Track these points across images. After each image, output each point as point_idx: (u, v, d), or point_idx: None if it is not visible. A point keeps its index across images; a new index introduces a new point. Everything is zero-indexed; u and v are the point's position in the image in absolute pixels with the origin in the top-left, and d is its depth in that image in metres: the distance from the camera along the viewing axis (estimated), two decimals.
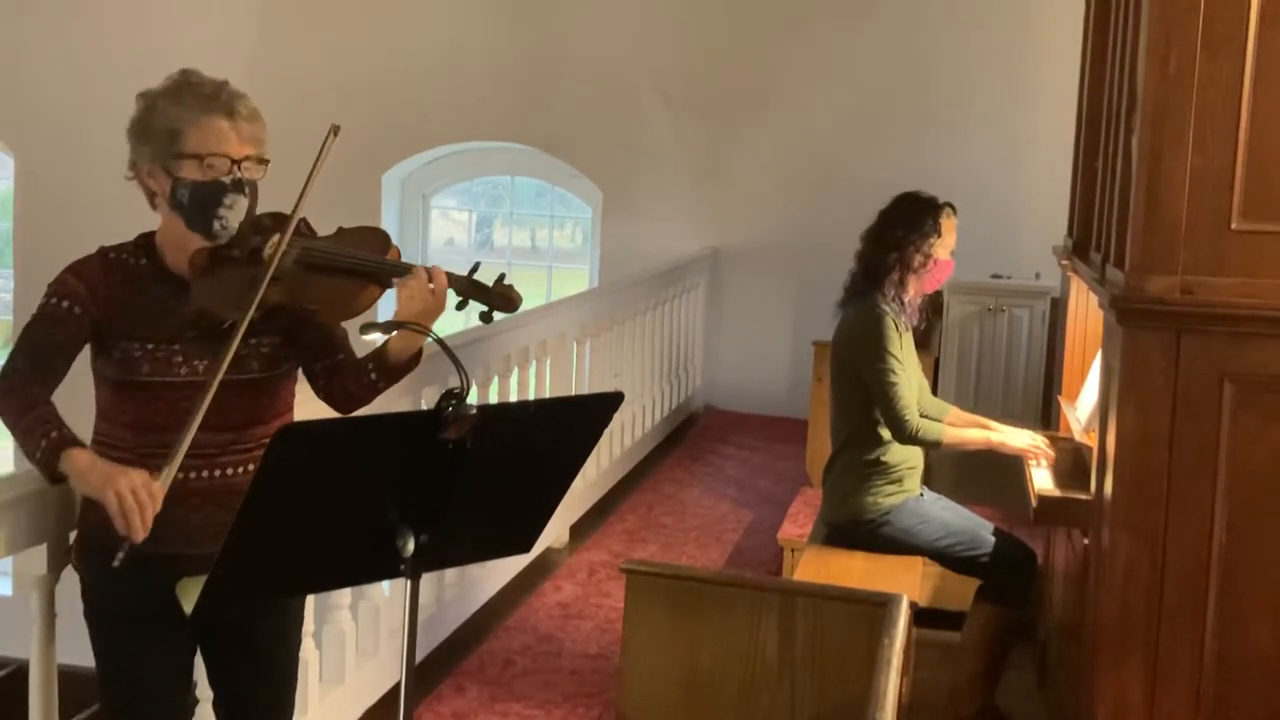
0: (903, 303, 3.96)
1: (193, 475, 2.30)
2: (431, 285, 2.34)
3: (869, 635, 2.46)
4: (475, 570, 4.49)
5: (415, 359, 2.47)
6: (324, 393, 2.55)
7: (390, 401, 2.85)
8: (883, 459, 3.94)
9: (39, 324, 2.35)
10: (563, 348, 5.56)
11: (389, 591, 3.86)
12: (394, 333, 2.43)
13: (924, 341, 5.67)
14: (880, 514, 3.93)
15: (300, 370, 2.56)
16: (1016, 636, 3.97)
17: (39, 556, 2.56)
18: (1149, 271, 2.64)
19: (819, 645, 2.57)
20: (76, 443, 2.26)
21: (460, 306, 2.39)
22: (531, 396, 5.35)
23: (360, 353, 2.56)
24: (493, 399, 4.76)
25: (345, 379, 2.51)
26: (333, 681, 3.56)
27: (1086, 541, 3.18)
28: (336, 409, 2.55)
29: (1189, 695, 2.68)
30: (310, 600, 2.88)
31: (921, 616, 3.75)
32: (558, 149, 8.61)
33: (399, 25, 8.64)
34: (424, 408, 2.87)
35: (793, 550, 4.77)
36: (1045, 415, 6.11)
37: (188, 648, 2.52)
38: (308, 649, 3.18)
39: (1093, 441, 3.28)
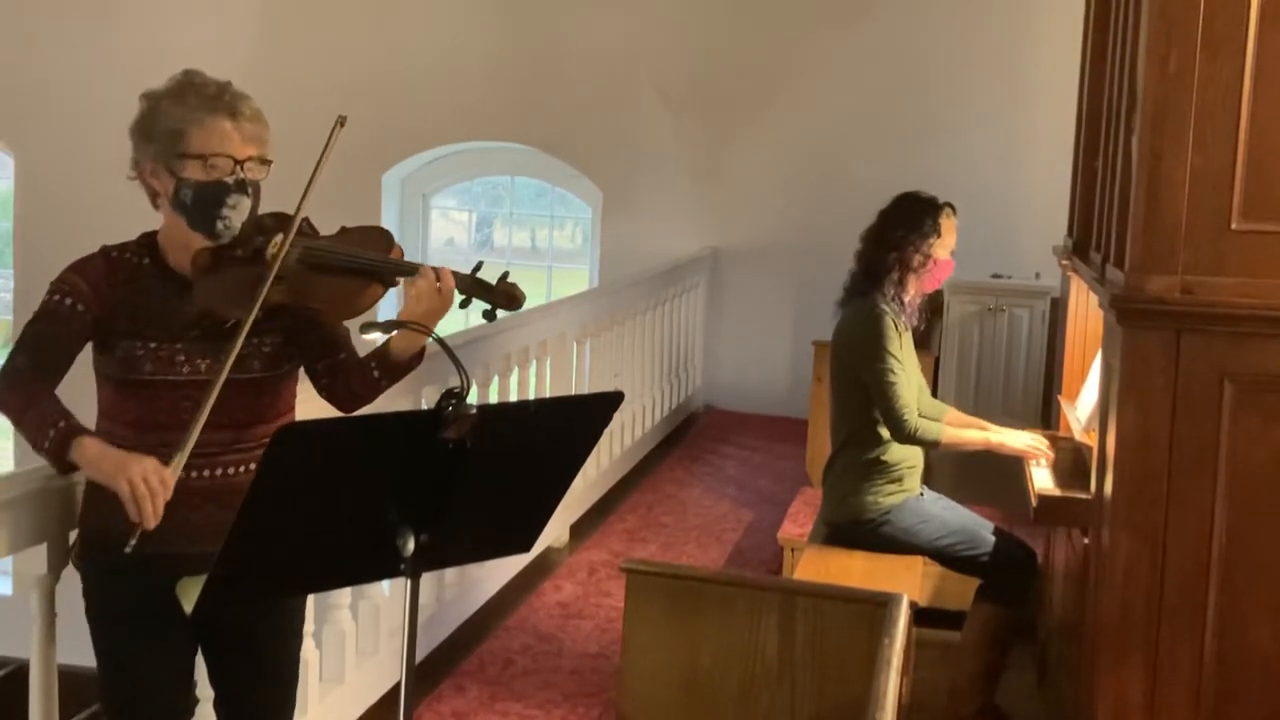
0: (902, 303, 3.96)
1: (194, 474, 2.30)
2: (439, 285, 2.35)
3: (869, 635, 2.46)
4: (475, 570, 4.49)
5: (418, 357, 2.47)
6: (326, 392, 2.55)
7: (390, 401, 2.85)
8: (883, 458, 3.94)
9: (41, 321, 2.36)
10: (563, 348, 5.56)
11: (389, 591, 3.86)
12: (394, 332, 2.43)
13: (924, 341, 5.67)
14: (880, 513, 3.94)
15: (302, 369, 2.56)
16: (1016, 636, 3.97)
17: (39, 556, 2.56)
18: (1149, 271, 2.64)
19: (819, 645, 2.57)
20: (85, 431, 2.28)
21: (464, 305, 2.39)
22: (531, 396, 5.35)
23: (360, 352, 2.56)
24: (493, 399, 4.76)
25: (348, 378, 2.51)
26: (333, 681, 3.56)
27: (1086, 541, 3.18)
28: (339, 408, 2.55)
29: (1189, 695, 2.68)
30: (310, 600, 2.88)
31: (921, 616, 3.75)
32: (557, 149, 8.61)
33: (399, 25, 8.65)
34: (424, 407, 2.87)
35: (793, 550, 4.77)
36: (1045, 415, 6.11)
37: (188, 647, 2.52)
38: (308, 649, 3.18)
39: (1093, 441, 3.28)
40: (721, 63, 8.26)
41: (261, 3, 8.81)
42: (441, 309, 2.37)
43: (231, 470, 2.41)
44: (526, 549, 2.16)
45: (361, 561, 1.98)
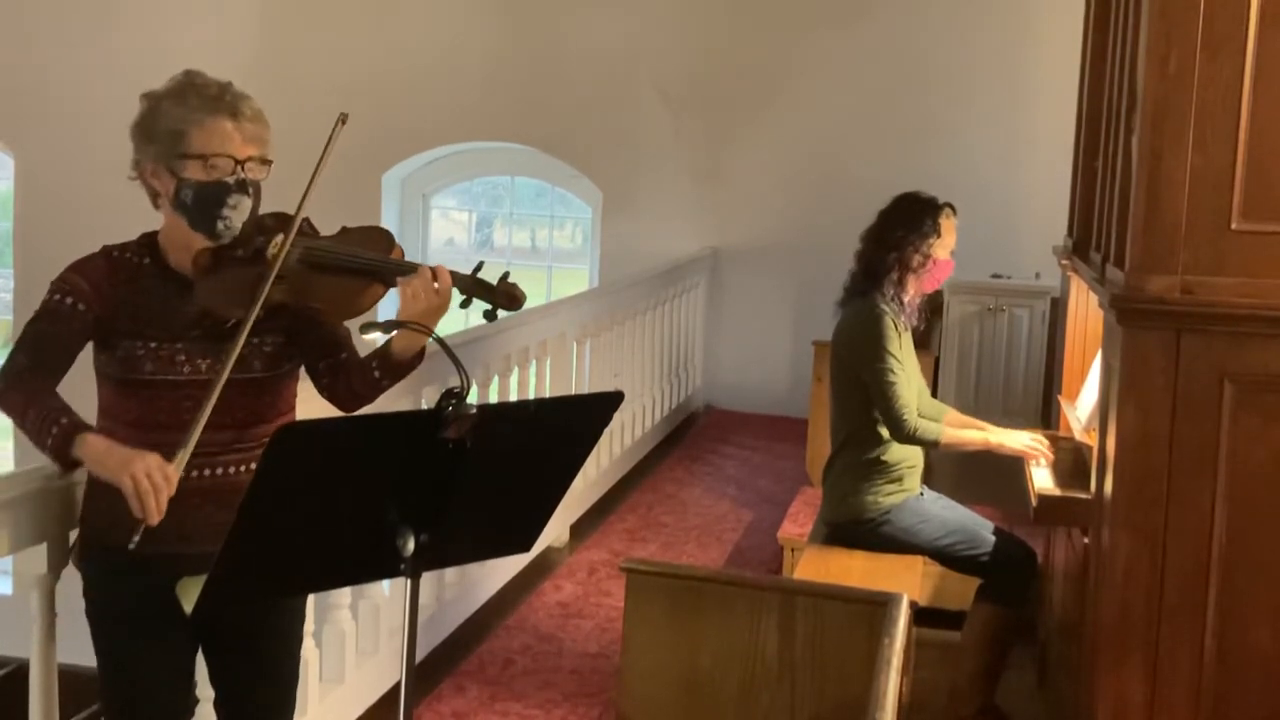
0: (902, 302, 3.96)
1: (194, 474, 2.30)
2: (435, 284, 2.35)
3: (869, 635, 2.46)
4: (475, 569, 4.49)
5: (419, 357, 2.47)
6: (327, 391, 2.55)
7: (390, 401, 2.85)
8: (883, 458, 3.94)
9: (42, 320, 2.36)
10: (563, 348, 5.56)
11: (389, 591, 3.86)
12: (394, 331, 2.43)
13: (924, 341, 5.68)
14: (880, 513, 3.94)
15: (302, 369, 2.56)
16: (1016, 636, 3.97)
17: (39, 556, 2.56)
18: (1149, 271, 2.64)
19: (819, 645, 2.57)
20: (88, 428, 2.28)
21: (464, 305, 2.40)
22: (531, 396, 5.35)
23: (360, 352, 2.56)
24: (493, 399, 4.76)
25: (349, 377, 2.51)
26: (333, 681, 3.56)
27: (1086, 541, 3.18)
28: (340, 407, 2.55)
29: (1189, 695, 2.68)
30: (310, 600, 2.88)
31: (921, 616, 3.75)
32: (557, 149, 8.61)
33: (399, 25, 8.65)
34: (424, 407, 2.87)
35: (793, 549, 4.78)
36: (1045, 415, 6.11)
37: (188, 647, 2.52)
38: (308, 648, 3.19)
39: (1093, 441, 3.28)
40: (721, 63, 8.26)
41: (261, 3, 8.81)
42: (440, 308, 2.37)
43: (232, 470, 2.41)
44: (526, 549, 2.16)
45: (361, 561, 1.98)
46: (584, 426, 2.09)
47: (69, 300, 2.36)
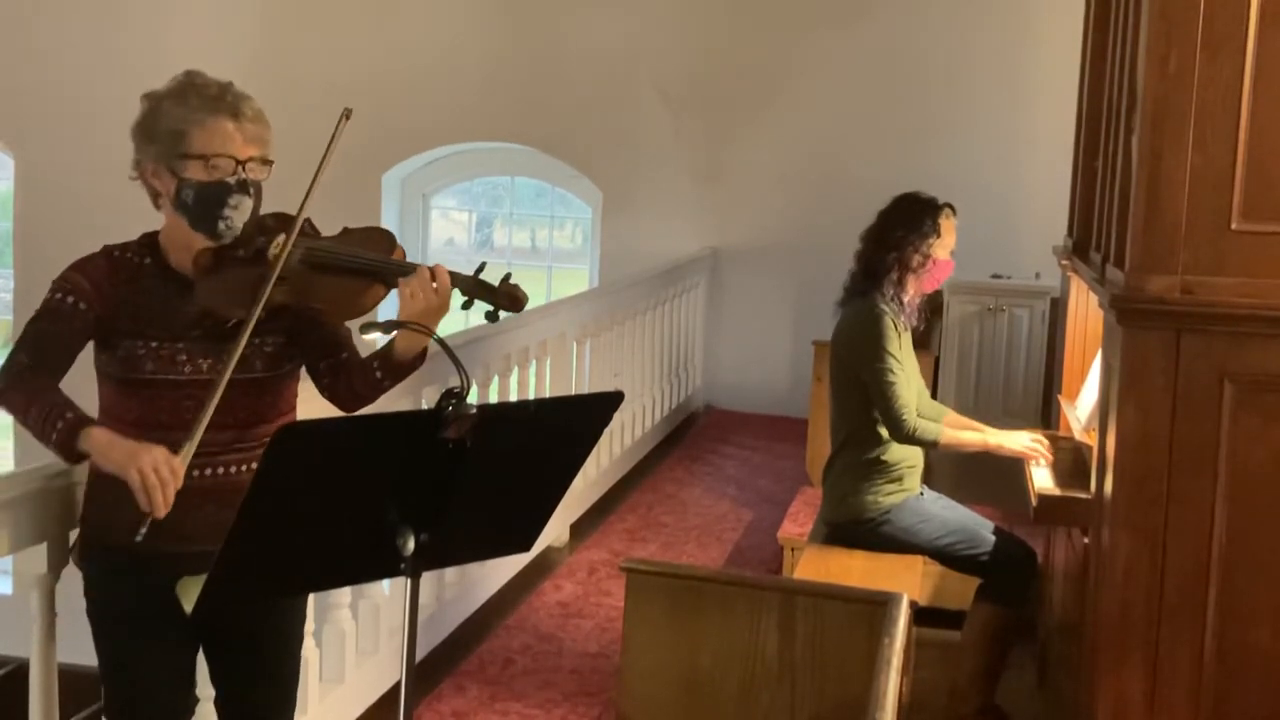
0: (902, 303, 3.96)
1: (195, 473, 2.30)
2: (434, 284, 2.35)
3: (869, 634, 2.46)
4: (475, 569, 4.49)
5: (420, 357, 2.48)
6: (329, 391, 2.56)
7: (390, 401, 2.85)
8: (882, 458, 3.94)
9: (43, 319, 2.36)
10: (563, 348, 5.56)
11: (389, 590, 3.86)
12: (394, 332, 2.43)
13: (924, 341, 5.68)
14: (880, 513, 3.94)
15: (304, 369, 2.56)
16: (1016, 635, 3.97)
17: (39, 555, 2.56)
18: (1149, 271, 2.64)
19: (819, 645, 2.57)
20: (92, 422, 2.28)
21: (466, 306, 2.40)
22: (531, 396, 5.35)
23: (359, 352, 2.57)
24: (493, 399, 4.76)
25: (350, 378, 2.52)
26: (333, 681, 3.56)
27: (1086, 541, 3.18)
28: (341, 408, 2.55)
29: (1189, 695, 2.68)
30: (310, 599, 2.88)
31: (921, 615, 3.75)
32: (557, 149, 8.61)
33: (399, 25, 8.65)
34: (424, 407, 2.87)
35: (793, 549, 4.78)
36: (1045, 415, 6.11)
37: (189, 646, 2.52)
38: (308, 648, 3.19)
39: (1093, 441, 3.28)
40: (721, 63, 8.26)
41: (261, 3, 8.81)
42: (440, 308, 2.37)
43: (233, 469, 2.41)
44: (526, 549, 2.16)
45: (361, 561, 1.98)
46: (584, 426, 2.09)
47: (70, 299, 2.36)
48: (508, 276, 2.41)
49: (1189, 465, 2.63)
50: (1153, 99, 2.62)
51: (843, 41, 8.03)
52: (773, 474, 6.68)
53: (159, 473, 2.19)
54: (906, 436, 3.87)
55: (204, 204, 2.36)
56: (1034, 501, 3.44)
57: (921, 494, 4.02)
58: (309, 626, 3.00)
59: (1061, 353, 4.71)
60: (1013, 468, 4.00)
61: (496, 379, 4.85)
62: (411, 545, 1.89)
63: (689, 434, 7.57)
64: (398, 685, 2.05)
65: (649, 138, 8.45)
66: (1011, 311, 6.50)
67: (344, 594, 3.60)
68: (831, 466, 4.08)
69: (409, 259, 2.45)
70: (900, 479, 3.96)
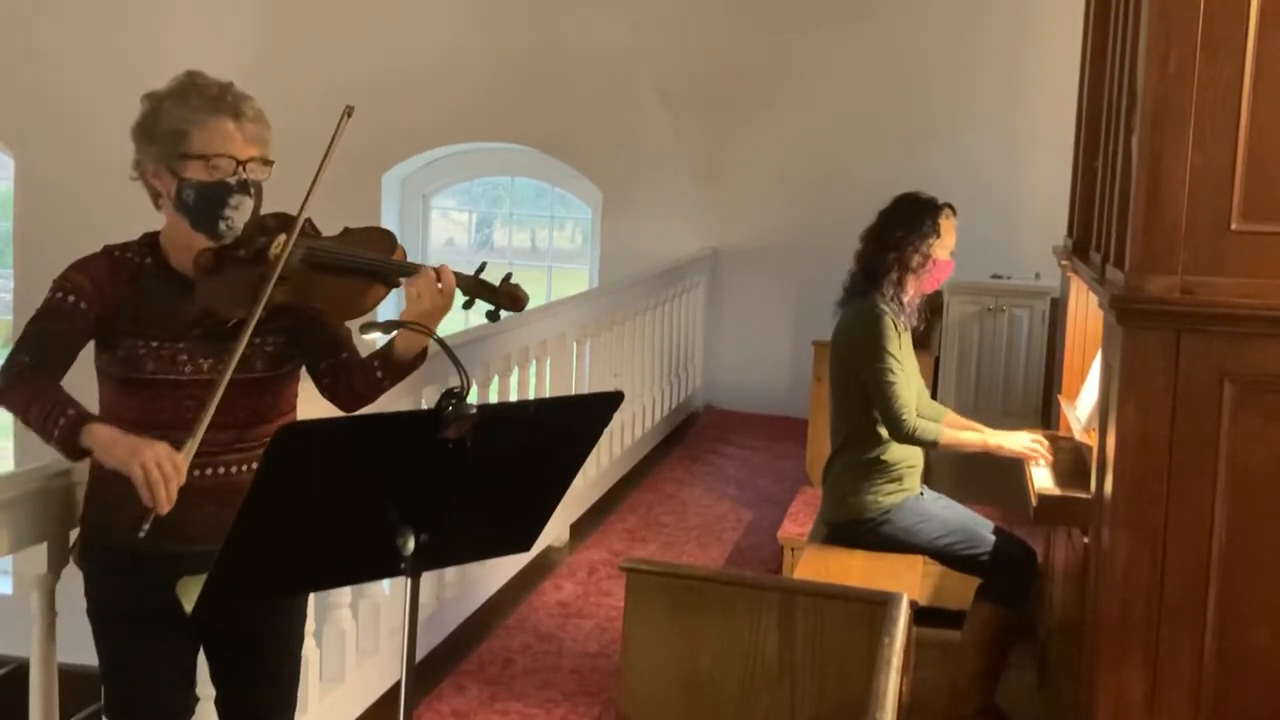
0: (901, 303, 3.96)
1: (195, 473, 2.30)
2: (440, 285, 2.35)
3: (869, 634, 2.46)
4: (475, 569, 4.49)
5: (421, 357, 2.48)
6: (329, 391, 2.56)
7: (390, 401, 2.86)
8: (882, 458, 3.94)
9: (44, 319, 2.36)
10: (563, 348, 5.56)
11: (389, 590, 3.86)
12: (394, 332, 2.43)
13: (924, 341, 5.67)
14: (880, 513, 3.94)
15: (304, 369, 2.56)
16: (1016, 635, 3.97)
17: (39, 555, 2.57)
18: (1149, 271, 2.64)
19: (819, 644, 2.57)
20: (95, 418, 2.28)
21: (467, 305, 2.40)
22: (531, 396, 5.35)
23: (359, 353, 2.57)
24: (493, 399, 4.76)
25: (351, 377, 2.52)
26: (333, 680, 3.56)
27: (1086, 541, 3.18)
28: (341, 407, 2.55)
29: (1189, 695, 2.68)
30: (310, 599, 2.88)
31: (921, 615, 3.75)
32: (557, 149, 8.61)
33: (399, 25, 8.65)
34: (424, 407, 2.87)
35: (793, 549, 4.78)
36: (1045, 415, 6.11)
37: (189, 646, 2.52)
38: (308, 648, 3.18)
39: (1093, 441, 3.28)
40: (721, 63, 8.26)
41: (261, 3, 8.81)
42: (443, 308, 2.38)
43: (234, 469, 2.41)
44: (526, 548, 2.16)
45: (362, 561, 1.98)
46: (584, 426, 2.10)
47: (71, 298, 2.36)
48: (508, 276, 2.41)
49: (1189, 465, 2.64)
50: (1153, 99, 2.62)
51: (843, 41, 8.03)
52: (773, 474, 6.68)
53: (162, 468, 2.19)
54: (906, 436, 3.87)
55: (205, 204, 2.36)
56: (1034, 501, 3.44)
57: (921, 494, 4.02)
58: (309, 626, 3.00)
59: (1061, 353, 4.71)
60: (1013, 468, 4.00)
61: (496, 379, 4.85)
62: (411, 545, 1.89)
63: (689, 434, 7.57)
64: (398, 685, 2.05)
65: (649, 138, 8.45)
66: (1011, 311, 6.50)
67: (344, 594, 3.60)
68: (831, 466, 4.08)
69: (409, 259, 2.45)
70: (900, 479, 3.96)
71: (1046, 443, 3.89)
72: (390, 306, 5.79)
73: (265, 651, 2.57)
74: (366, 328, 2.40)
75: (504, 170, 9.27)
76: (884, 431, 3.91)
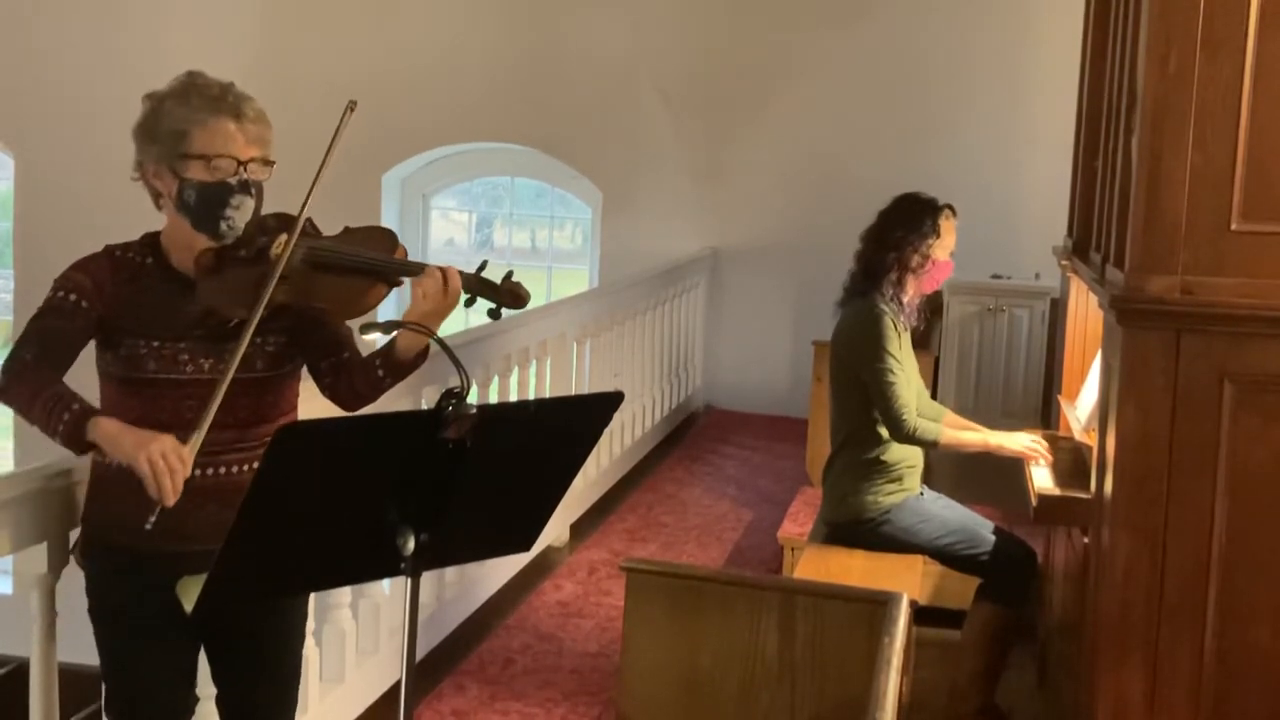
0: (901, 303, 3.96)
1: (196, 473, 2.30)
2: (445, 285, 2.36)
3: (869, 634, 2.46)
4: (475, 569, 4.49)
5: (422, 356, 2.48)
6: (330, 390, 2.56)
7: (390, 401, 2.86)
8: (882, 458, 3.94)
9: (46, 317, 2.37)
10: (563, 348, 5.56)
11: (389, 590, 3.86)
12: (394, 332, 2.43)
13: (924, 341, 5.68)
14: (880, 513, 3.94)
15: (305, 369, 2.57)
16: (1016, 635, 3.97)
17: (39, 555, 2.57)
18: (1149, 271, 2.64)
19: (819, 644, 2.57)
20: (99, 412, 2.28)
21: (469, 304, 2.40)
22: (531, 396, 5.35)
23: (358, 352, 2.57)
24: (493, 399, 4.76)
25: (352, 377, 2.52)
26: (333, 680, 3.56)
27: (1086, 541, 3.19)
28: (343, 407, 2.56)
29: (1189, 695, 2.68)
30: (311, 599, 2.88)
31: (922, 615, 3.75)
32: (557, 149, 8.61)
33: (399, 25, 8.65)
34: (424, 407, 2.87)
35: (793, 549, 4.78)
36: (1045, 415, 6.11)
37: (190, 645, 2.52)
38: (308, 647, 3.19)
39: (1093, 441, 3.28)
40: (721, 63, 8.26)
41: (262, 3, 8.81)
42: (448, 308, 2.38)
43: (234, 469, 2.41)
44: (526, 548, 2.16)
45: (362, 561, 1.98)
46: (584, 426, 2.10)
47: (72, 297, 2.36)
48: (510, 274, 2.41)
49: (1189, 465, 2.64)
50: (1153, 99, 2.62)
51: (843, 41, 8.03)
52: (773, 474, 6.69)
53: (168, 460, 2.19)
54: (907, 436, 3.87)
55: (206, 204, 2.37)
56: (1034, 501, 3.44)
57: (921, 494, 4.02)
58: (309, 626, 3.01)
59: (1061, 353, 4.71)
60: (1013, 468, 4.00)
61: (496, 379, 4.85)
62: (411, 545, 1.89)
63: (689, 434, 7.57)
64: (398, 685, 2.05)
65: (649, 138, 8.45)
66: (1011, 312, 6.50)
67: (344, 594, 3.60)
68: (831, 466, 4.08)
69: (410, 259, 2.45)
70: (900, 479, 3.96)
71: (1045, 444, 3.89)
72: (391, 306, 5.79)
73: (266, 651, 2.57)
74: (366, 328, 2.40)
75: (504, 170, 9.27)
76: (884, 431, 3.91)
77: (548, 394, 5.43)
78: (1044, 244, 5.64)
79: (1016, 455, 3.88)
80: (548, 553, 5.27)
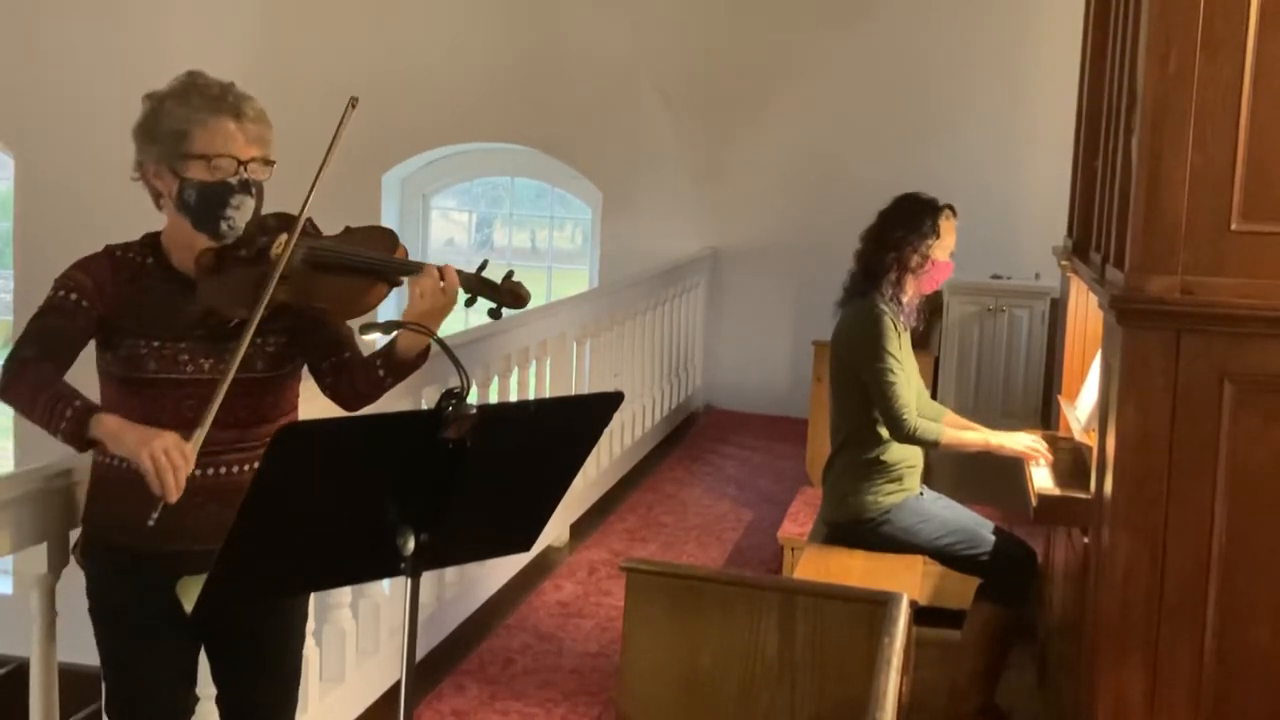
0: (900, 303, 3.96)
1: (197, 473, 2.30)
2: (442, 284, 2.35)
3: (869, 634, 2.46)
4: (475, 569, 4.49)
5: (423, 356, 2.48)
6: (331, 390, 2.56)
7: (390, 401, 2.86)
8: (882, 458, 3.94)
9: (46, 315, 2.37)
10: (563, 348, 5.56)
11: (389, 590, 3.86)
12: (394, 332, 2.43)
13: (924, 342, 5.67)
14: (880, 513, 3.94)
15: (306, 368, 2.57)
16: (1016, 635, 3.97)
17: (39, 555, 2.57)
18: (1149, 271, 2.64)
19: (819, 644, 2.57)
20: (101, 409, 2.28)
21: (469, 303, 2.40)
22: (531, 396, 5.35)
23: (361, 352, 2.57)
24: (493, 399, 4.76)
25: (353, 377, 2.52)
26: (333, 680, 3.56)
27: (1086, 541, 3.19)
28: (344, 407, 2.56)
29: (1189, 695, 2.68)
30: (311, 599, 2.88)
31: (922, 615, 3.75)
32: (557, 149, 8.61)
33: (399, 25, 8.65)
34: (424, 407, 2.87)
35: (793, 549, 4.78)
36: (1045, 415, 6.11)
37: (190, 645, 2.52)
38: (308, 647, 3.18)
39: (1093, 441, 3.28)
40: (721, 63, 8.26)
41: (262, 3, 8.81)
42: (446, 307, 2.38)
43: (235, 469, 2.41)
44: (527, 548, 2.16)
45: (362, 561, 1.98)
46: (584, 426, 2.10)
47: (73, 296, 2.37)
48: (510, 273, 2.41)
49: (1189, 465, 2.64)
50: (1153, 99, 2.62)
51: (843, 41, 8.03)
52: (773, 474, 6.69)
53: (170, 456, 2.19)
54: (907, 436, 3.87)
55: (206, 204, 2.37)
56: (1034, 501, 3.44)
57: (921, 494, 4.02)
58: (309, 626, 3.01)
59: (1061, 353, 4.71)
60: (1013, 468, 4.00)
61: (496, 379, 4.85)
62: (411, 545, 1.89)
63: (689, 434, 7.57)
64: (398, 684, 2.05)
65: (649, 138, 8.45)
66: (1011, 312, 6.50)
67: (344, 594, 3.61)
68: (831, 466, 4.08)
69: (410, 258, 2.45)
70: (900, 479, 3.96)
71: (1045, 444, 3.89)
72: (391, 306, 5.79)
73: (266, 651, 2.57)
74: (366, 328, 2.40)
75: (504, 170, 9.27)
76: (884, 431, 3.91)
77: (548, 394, 5.43)
78: (1044, 244, 5.64)
79: (1017, 455, 3.88)
80: (548, 553, 5.27)
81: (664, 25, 8.32)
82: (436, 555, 1.94)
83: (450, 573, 4.32)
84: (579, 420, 2.10)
